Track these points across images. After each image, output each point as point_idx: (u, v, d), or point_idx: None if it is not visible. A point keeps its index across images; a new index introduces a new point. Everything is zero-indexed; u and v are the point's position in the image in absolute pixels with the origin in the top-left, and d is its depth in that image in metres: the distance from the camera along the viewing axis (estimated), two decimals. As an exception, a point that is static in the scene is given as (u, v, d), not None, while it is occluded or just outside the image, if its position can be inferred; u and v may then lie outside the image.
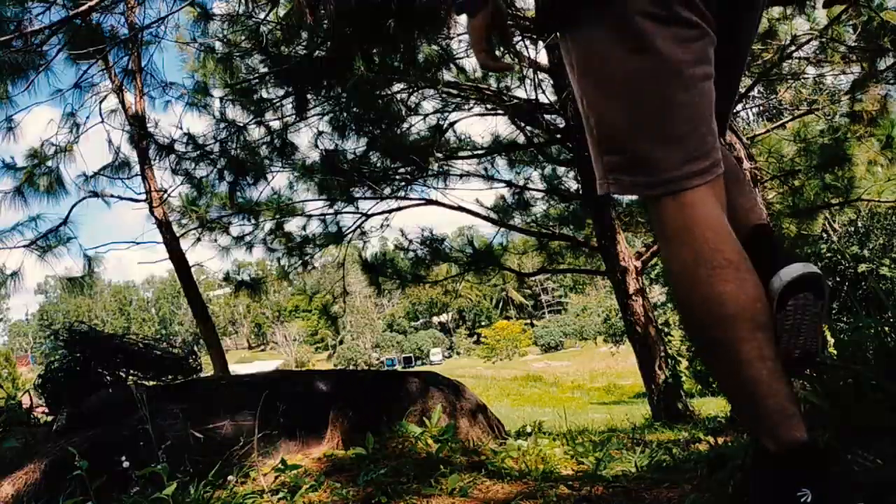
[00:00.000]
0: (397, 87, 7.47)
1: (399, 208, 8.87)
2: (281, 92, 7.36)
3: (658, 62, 1.04)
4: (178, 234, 8.33)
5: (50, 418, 3.12)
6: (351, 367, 44.81)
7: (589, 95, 1.15)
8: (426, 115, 8.39)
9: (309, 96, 7.31)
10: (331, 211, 8.76)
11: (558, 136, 8.18)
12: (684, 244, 1.06)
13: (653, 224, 1.13)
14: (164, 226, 8.13)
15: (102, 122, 7.61)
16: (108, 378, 3.07)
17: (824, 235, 18.83)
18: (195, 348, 3.40)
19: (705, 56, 1.08)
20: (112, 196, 7.84)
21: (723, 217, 1.08)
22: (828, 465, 1.05)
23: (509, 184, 9.38)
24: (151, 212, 8.11)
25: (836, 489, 1.02)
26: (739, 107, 8.49)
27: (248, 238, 8.81)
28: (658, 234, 1.13)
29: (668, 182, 1.06)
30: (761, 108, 9.53)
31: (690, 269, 1.05)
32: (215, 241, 8.64)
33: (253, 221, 8.66)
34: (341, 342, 63.44)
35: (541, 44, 7.21)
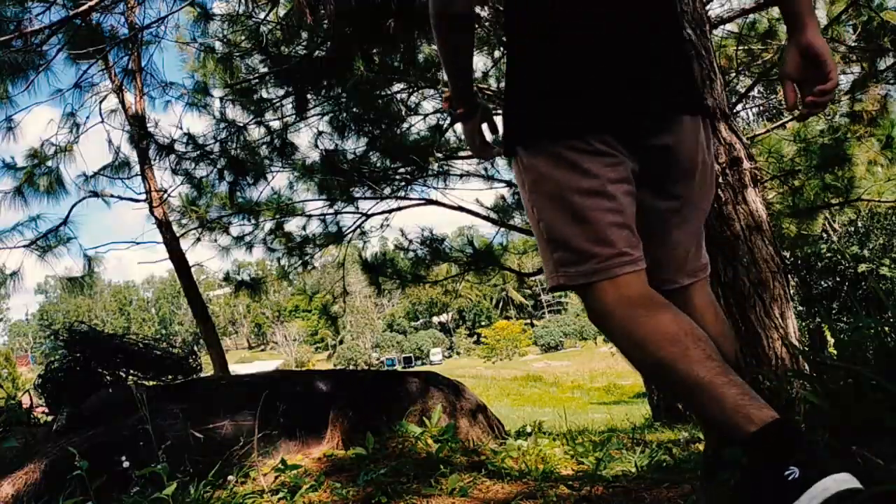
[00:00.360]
0: (397, 86, 7.47)
1: (399, 208, 8.87)
2: (281, 92, 7.36)
3: (588, 181, 1.29)
4: (178, 234, 8.33)
5: (50, 418, 3.12)
6: (351, 367, 44.82)
7: (538, 207, 1.38)
8: (426, 115, 8.39)
9: (309, 96, 7.31)
10: (331, 211, 8.76)
11: (558, 135, 8.17)
12: (623, 308, 1.27)
13: (590, 307, 1.34)
14: (164, 226, 8.13)
15: (102, 122, 7.62)
16: (108, 378, 3.08)
17: (824, 235, 18.83)
18: (195, 348, 3.40)
19: (626, 177, 1.32)
20: (112, 196, 7.86)
21: (650, 290, 1.31)
22: (804, 437, 1.10)
23: (509, 183, 9.38)
24: (151, 212, 8.11)
25: (820, 457, 1.07)
26: (739, 106, 8.49)
27: (248, 238, 8.80)
28: (598, 313, 1.32)
29: (607, 269, 1.29)
30: (761, 108, 9.54)
31: (628, 321, 1.26)
32: (215, 241, 8.64)
33: (253, 221, 8.66)
34: (341, 342, 63.44)
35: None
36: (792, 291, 8.75)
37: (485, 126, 1.69)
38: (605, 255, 1.29)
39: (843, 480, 1.01)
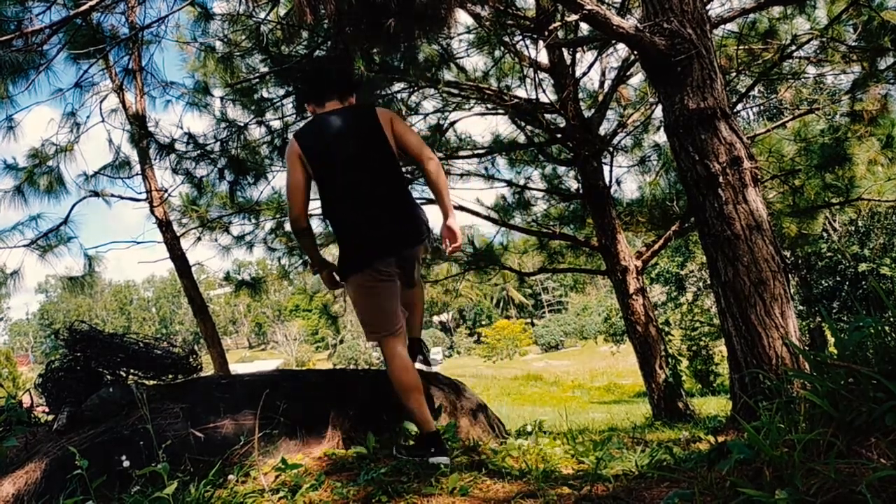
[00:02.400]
0: (398, 86, 7.47)
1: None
2: (281, 91, 7.36)
3: (374, 291, 2.71)
4: (178, 234, 8.33)
5: (50, 418, 3.12)
6: (351, 367, 44.81)
7: (355, 305, 2.82)
8: (426, 115, 8.39)
9: (309, 96, 7.28)
10: (331, 210, 8.74)
11: (558, 135, 8.17)
12: (392, 358, 2.70)
13: (382, 351, 2.77)
14: (164, 225, 8.13)
15: (103, 121, 7.60)
16: (109, 377, 3.07)
17: (825, 235, 18.83)
18: (195, 347, 3.39)
19: (391, 283, 2.74)
20: (112, 195, 7.84)
21: (403, 350, 2.76)
22: (441, 440, 2.62)
23: (510, 183, 9.38)
24: (152, 211, 8.11)
25: (446, 450, 2.60)
26: (740, 106, 8.48)
27: (248, 237, 8.81)
28: (385, 354, 2.76)
29: (384, 335, 2.73)
30: (762, 107, 9.54)
31: (397, 369, 2.68)
32: (216, 240, 8.65)
33: (253, 221, 8.66)
34: (342, 341, 63.42)
35: (541, 43, 7.21)
36: (792, 291, 8.76)
37: (333, 273, 2.96)
38: (384, 330, 2.74)
39: (442, 459, 2.48)
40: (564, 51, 7.93)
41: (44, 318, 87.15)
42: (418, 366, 2.99)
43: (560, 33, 6.90)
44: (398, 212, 2.72)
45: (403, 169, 2.68)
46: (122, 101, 7.82)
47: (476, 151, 8.67)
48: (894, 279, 17.44)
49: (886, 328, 1.71)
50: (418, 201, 9.17)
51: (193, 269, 8.54)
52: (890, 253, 18.30)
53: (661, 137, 9.42)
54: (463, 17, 7.99)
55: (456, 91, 7.93)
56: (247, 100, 7.32)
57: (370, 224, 2.65)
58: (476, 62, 32.42)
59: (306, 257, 7.97)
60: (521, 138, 8.71)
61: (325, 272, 2.92)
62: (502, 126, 32.32)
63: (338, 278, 2.87)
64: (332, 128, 2.73)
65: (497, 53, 8.05)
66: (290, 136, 2.97)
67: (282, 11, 6.59)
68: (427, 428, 2.62)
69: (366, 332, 2.79)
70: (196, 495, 2.20)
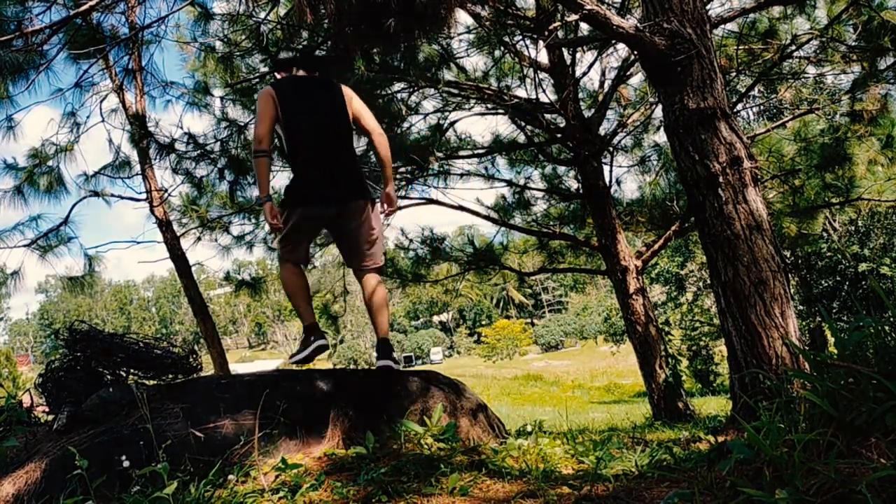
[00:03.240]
0: (398, 86, 7.47)
1: (399, 207, 8.87)
2: (281, 91, 7.35)
3: (302, 226, 3.24)
4: (178, 234, 8.33)
5: (50, 417, 3.12)
6: (351, 367, 44.80)
7: (283, 223, 3.19)
8: (426, 115, 8.39)
9: (309, 96, 7.29)
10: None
11: (558, 135, 8.17)
12: (283, 271, 3.31)
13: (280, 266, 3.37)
14: (164, 225, 8.13)
15: (103, 121, 7.60)
16: (109, 377, 3.07)
17: (825, 235, 18.82)
18: (195, 347, 3.39)
19: (317, 231, 3.61)
20: (112, 195, 7.83)
21: (295, 268, 3.32)
22: (320, 331, 3.33)
23: (510, 183, 9.38)
24: (152, 211, 8.11)
25: (322, 334, 3.30)
26: (740, 106, 8.48)
27: (248, 237, 8.81)
28: (280, 271, 3.37)
29: (286, 260, 3.31)
30: (762, 107, 9.54)
31: (283, 276, 3.32)
32: (216, 240, 8.65)
33: (253, 221, 8.66)
34: (342, 341, 63.43)
35: (541, 43, 7.21)
36: (792, 291, 8.75)
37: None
38: (290, 256, 3.28)
39: (320, 344, 3.25)
40: (564, 51, 7.93)
41: (44, 318, 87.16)
42: (386, 362, 3.20)
43: (560, 33, 6.90)
44: (348, 173, 3.22)
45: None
46: (122, 101, 7.82)
47: (476, 151, 8.67)
48: (894, 279, 17.44)
49: (886, 328, 1.71)
50: (418, 201, 9.00)
51: (193, 269, 8.54)
52: (890, 253, 18.30)
53: (661, 137, 9.43)
54: (463, 17, 7.99)
55: (456, 91, 7.93)
56: (247, 100, 7.32)
57: (324, 177, 3.14)
58: (476, 62, 32.44)
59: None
60: (521, 138, 8.72)
61: (269, 203, 3.11)
62: (502, 126, 32.36)
63: (276, 210, 3.18)
64: (304, 86, 3.26)
65: (497, 53, 8.05)
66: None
67: (282, 11, 6.59)
68: (306, 321, 3.29)
69: (278, 251, 3.34)
70: (196, 495, 2.20)
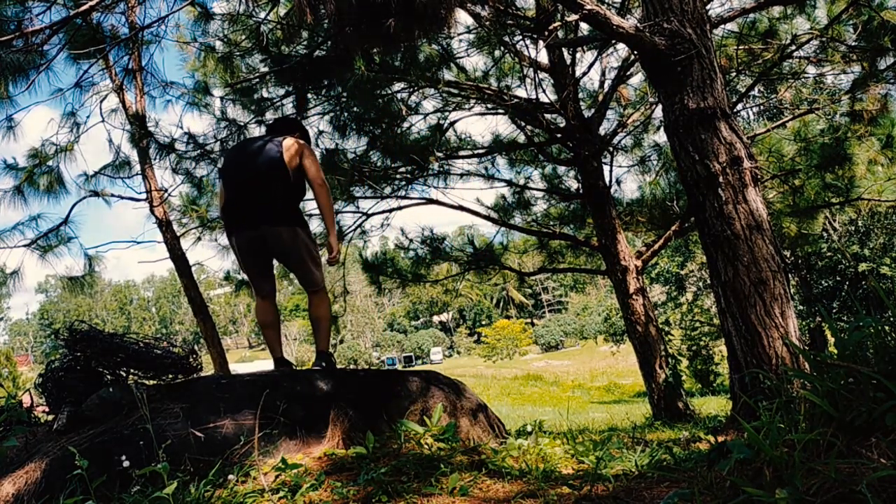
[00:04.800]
0: (398, 86, 7.47)
1: (399, 207, 8.88)
2: (281, 91, 7.35)
3: (241, 259, 3.73)
4: (178, 234, 8.32)
5: (50, 417, 3.12)
6: (351, 367, 44.82)
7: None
8: (426, 115, 8.39)
9: (309, 96, 7.31)
10: (331, 210, 8.74)
11: (558, 135, 8.17)
12: (255, 306, 3.86)
13: None
14: (164, 225, 8.12)
15: (103, 121, 7.59)
16: (109, 377, 3.07)
17: (825, 235, 18.82)
18: (195, 347, 3.39)
19: (249, 248, 3.63)
20: (112, 195, 7.83)
21: (263, 303, 3.79)
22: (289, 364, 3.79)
23: (510, 183, 9.38)
24: (152, 211, 8.10)
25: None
26: (740, 106, 8.48)
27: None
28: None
29: (256, 297, 3.85)
30: (762, 107, 9.53)
31: (256, 310, 3.85)
32: (216, 240, 8.64)
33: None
34: (342, 341, 63.44)
35: (541, 43, 7.21)
36: (792, 291, 8.75)
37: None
38: (256, 293, 3.79)
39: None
40: (564, 51, 7.93)
41: (44, 318, 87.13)
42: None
43: (560, 33, 6.90)
44: (265, 204, 3.53)
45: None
46: (122, 101, 7.82)
47: (476, 151, 8.67)
48: (894, 279, 17.44)
49: (886, 328, 1.71)
50: (418, 200, 9.01)
51: (193, 268, 8.54)
52: (890, 253, 18.30)
53: (661, 137, 9.43)
54: (463, 17, 8.00)
55: (456, 91, 7.93)
56: (247, 100, 7.32)
57: (239, 208, 3.60)
58: (476, 62, 32.44)
59: None
60: (521, 138, 8.72)
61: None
62: (502, 126, 32.33)
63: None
64: (246, 142, 3.87)
65: (497, 53, 8.04)
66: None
67: (282, 11, 6.59)
68: (275, 355, 3.74)
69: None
70: (196, 495, 2.20)
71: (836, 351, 1.81)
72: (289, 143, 3.64)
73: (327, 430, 2.85)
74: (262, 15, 6.57)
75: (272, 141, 3.67)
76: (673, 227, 8.13)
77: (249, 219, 3.56)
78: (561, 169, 9.39)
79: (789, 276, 3.89)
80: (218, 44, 7.10)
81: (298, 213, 3.68)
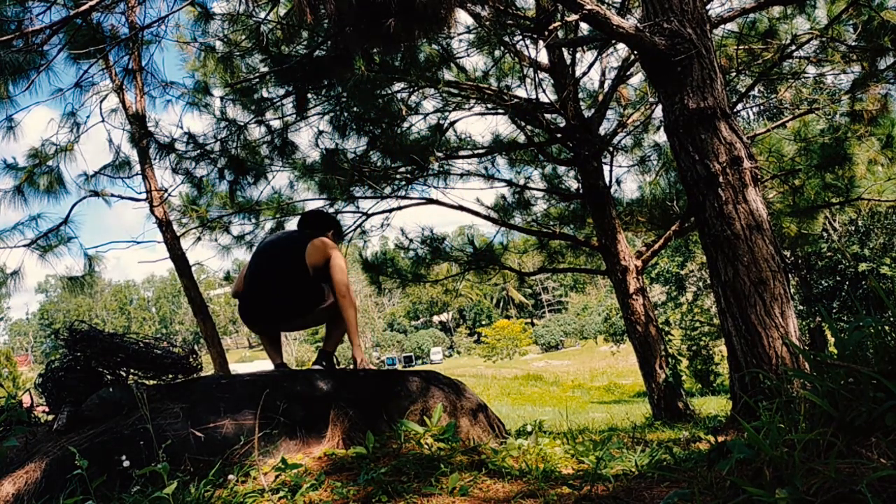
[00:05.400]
0: (398, 86, 7.46)
1: (399, 207, 8.87)
2: (281, 91, 7.35)
3: (261, 338, 3.91)
4: (178, 234, 8.32)
5: (50, 417, 3.12)
6: (351, 367, 44.65)
7: None
8: (426, 115, 8.39)
9: (309, 96, 7.31)
10: (331, 210, 8.76)
11: (558, 135, 8.17)
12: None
13: None
14: (164, 225, 8.13)
15: (103, 121, 7.60)
16: (109, 377, 3.07)
17: (825, 235, 18.82)
18: (195, 347, 3.39)
19: (269, 339, 3.84)
20: (112, 195, 7.83)
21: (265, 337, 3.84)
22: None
23: (510, 183, 9.38)
24: (152, 211, 8.10)
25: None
26: (740, 106, 8.48)
27: (248, 237, 8.81)
28: None
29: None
30: (762, 107, 9.53)
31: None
32: (216, 240, 8.65)
33: (253, 220, 8.66)
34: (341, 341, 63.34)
35: (541, 43, 7.21)
36: (792, 291, 8.74)
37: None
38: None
39: None
40: (564, 51, 7.93)
41: (44, 318, 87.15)
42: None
43: (560, 33, 6.90)
44: (279, 302, 3.54)
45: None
46: (122, 101, 7.82)
47: (476, 151, 8.67)
48: (894, 279, 17.44)
49: (886, 328, 1.71)
50: (418, 200, 8.98)
51: (193, 268, 8.54)
52: (890, 253, 18.30)
53: (661, 137, 9.43)
54: (463, 17, 8.00)
55: (456, 91, 7.93)
56: (247, 99, 7.32)
57: (254, 306, 3.63)
58: (476, 62, 32.40)
59: None
60: (521, 138, 8.71)
61: None
62: (502, 126, 32.32)
63: None
64: (272, 238, 3.88)
65: (497, 53, 8.05)
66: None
67: (282, 11, 6.59)
68: (275, 361, 3.77)
69: None
70: (196, 495, 2.20)
71: (836, 351, 1.81)
72: (315, 247, 3.55)
73: (327, 430, 2.85)
74: (262, 15, 6.57)
75: (300, 241, 3.59)
76: (673, 227, 8.12)
77: (266, 319, 3.64)
78: (561, 169, 9.39)
79: (789, 276, 3.89)
80: (218, 44, 7.10)
81: (318, 299, 3.54)
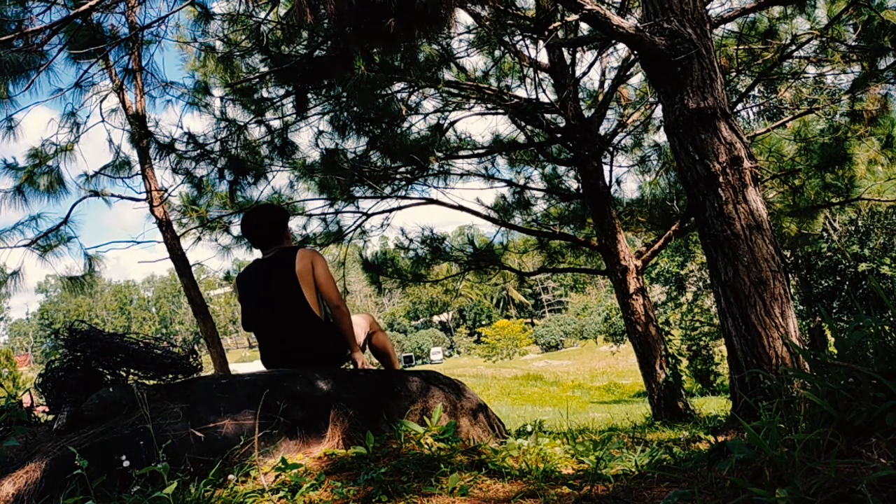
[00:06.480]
0: (398, 86, 7.47)
1: (399, 207, 8.87)
2: (281, 91, 7.36)
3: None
4: (178, 234, 8.33)
5: (50, 417, 3.12)
6: (351, 367, 44.65)
7: None
8: (426, 115, 8.39)
9: (309, 96, 7.31)
10: (331, 210, 8.76)
11: (558, 135, 8.17)
12: None
13: None
14: (164, 225, 8.13)
15: (103, 121, 7.60)
16: (109, 377, 3.07)
17: (825, 235, 18.82)
18: (196, 347, 3.39)
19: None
20: (112, 195, 7.84)
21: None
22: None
23: (510, 183, 9.38)
24: (152, 211, 8.11)
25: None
26: (740, 106, 8.48)
27: (248, 237, 8.79)
28: None
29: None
30: (762, 107, 9.53)
31: None
32: (216, 240, 8.65)
33: (253, 221, 8.64)
34: (341, 341, 63.33)
35: (541, 43, 7.21)
36: (792, 291, 8.74)
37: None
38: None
39: None
40: (564, 51, 7.93)
41: (44, 318, 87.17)
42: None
43: (560, 33, 6.90)
44: (296, 345, 3.47)
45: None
46: (122, 101, 7.82)
47: (476, 151, 8.67)
48: (894, 279, 17.44)
49: (886, 328, 1.71)
50: (418, 201, 9.00)
51: (193, 268, 8.54)
52: (890, 253, 18.30)
53: (661, 137, 9.43)
54: (463, 17, 8.01)
55: (456, 91, 7.93)
56: (247, 100, 7.32)
57: (273, 353, 3.54)
58: (476, 62, 32.45)
59: None
60: (521, 138, 8.72)
61: None
62: (502, 126, 32.33)
63: None
64: (256, 269, 3.63)
65: (497, 53, 8.05)
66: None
67: (282, 11, 6.59)
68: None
69: None
70: (196, 495, 2.20)
71: (836, 351, 1.81)
72: (302, 264, 3.43)
73: (327, 430, 2.85)
74: (262, 15, 6.57)
75: (288, 274, 3.42)
76: (673, 227, 8.13)
77: (284, 364, 3.48)
78: (561, 169, 9.39)
79: (789, 276, 3.90)
80: (218, 44, 7.10)
81: (339, 345, 3.51)
